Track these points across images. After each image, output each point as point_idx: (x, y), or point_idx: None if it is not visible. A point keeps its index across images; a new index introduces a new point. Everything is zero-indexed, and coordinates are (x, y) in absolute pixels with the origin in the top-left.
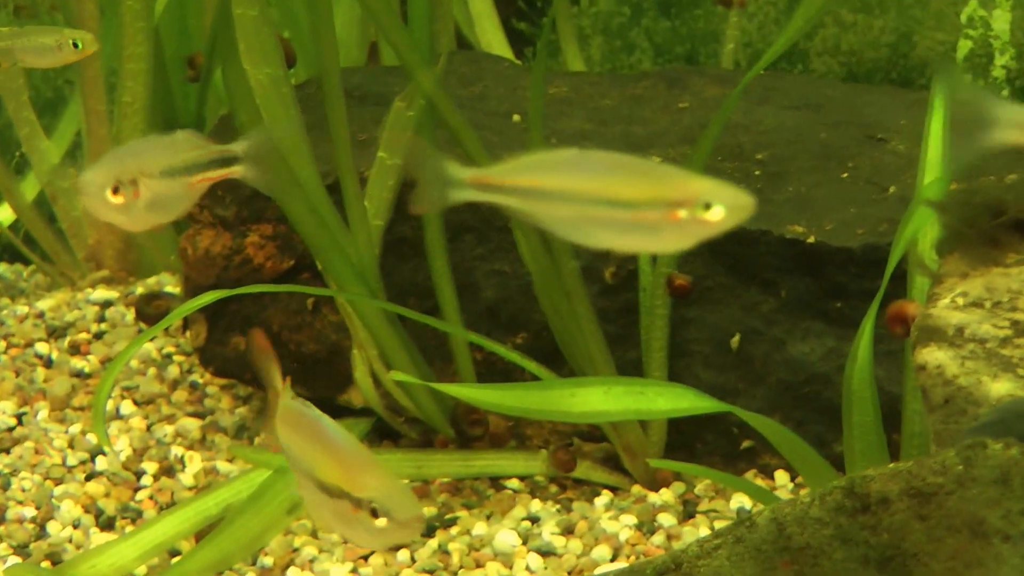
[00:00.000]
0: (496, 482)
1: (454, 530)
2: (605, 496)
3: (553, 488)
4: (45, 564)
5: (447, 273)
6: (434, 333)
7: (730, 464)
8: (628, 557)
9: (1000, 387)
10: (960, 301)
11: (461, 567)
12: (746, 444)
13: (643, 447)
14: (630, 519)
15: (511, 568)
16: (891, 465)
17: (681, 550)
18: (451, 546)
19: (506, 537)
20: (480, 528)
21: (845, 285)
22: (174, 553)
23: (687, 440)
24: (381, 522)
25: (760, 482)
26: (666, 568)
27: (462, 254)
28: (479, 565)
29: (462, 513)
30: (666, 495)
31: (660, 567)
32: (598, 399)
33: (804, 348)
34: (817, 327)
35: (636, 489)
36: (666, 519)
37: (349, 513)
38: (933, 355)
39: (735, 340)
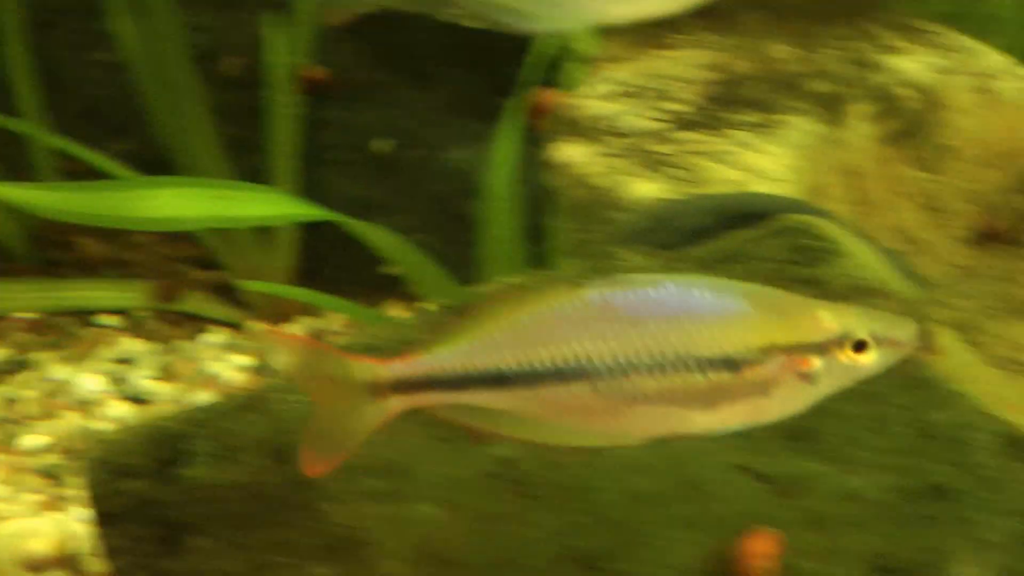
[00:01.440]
0: (88, 317)
1: (29, 374)
2: (218, 333)
3: (155, 324)
4: None
5: (27, 63)
6: (15, 138)
7: (373, 294)
8: None
9: (645, 188)
10: (608, 89)
11: (30, 418)
12: (386, 270)
13: (264, 273)
14: (243, 360)
15: (91, 417)
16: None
17: (269, 384)
18: (23, 393)
19: (89, 382)
20: (60, 372)
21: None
22: None
23: (323, 267)
24: (871, 354)
25: (401, 313)
26: (250, 404)
27: (55, 40)
28: (52, 415)
29: (42, 355)
30: (293, 331)
31: (243, 403)
32: (177, 203)
33: (465, 154)
34: (481, 129)
35: (256, 325)
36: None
37: (786, 374)
38: (568, 151)
39: (387, 144)
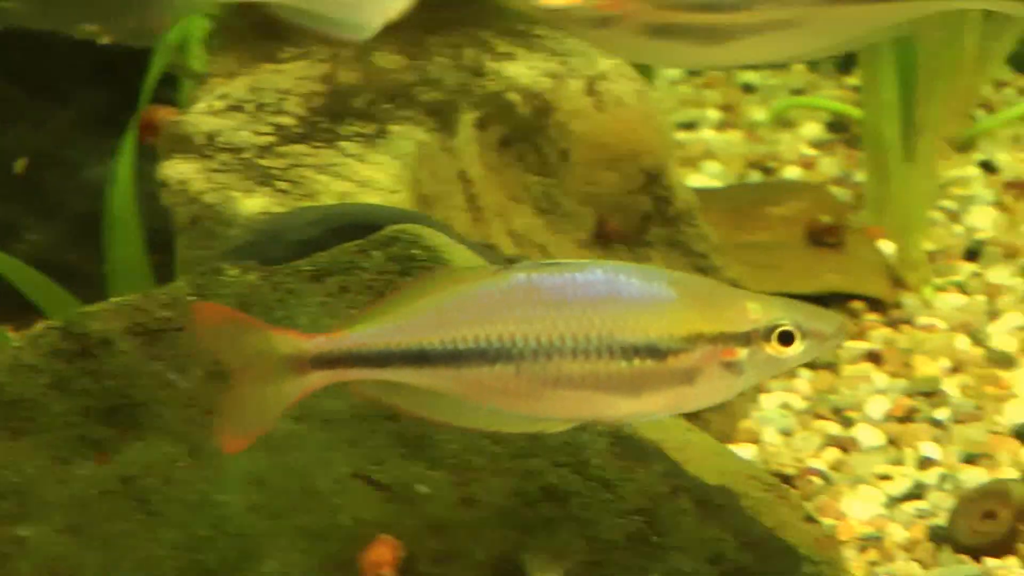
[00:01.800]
0: None
1: None
2: None
3: None
4: None
5: None
6: None
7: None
8: None
9: (254, 203)
10: (218, 104)
11: None
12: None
13: None
14: None
15: None
16: (114, 299)
17: None
18: None
19: None
20: None
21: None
22: None
23: None
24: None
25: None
26: None
27: None
28: None
29: None
30: None
31: None
32: None
33: (103, 171)
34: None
35: None
36: None
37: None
38: (177, 168)
39: (20, 164)
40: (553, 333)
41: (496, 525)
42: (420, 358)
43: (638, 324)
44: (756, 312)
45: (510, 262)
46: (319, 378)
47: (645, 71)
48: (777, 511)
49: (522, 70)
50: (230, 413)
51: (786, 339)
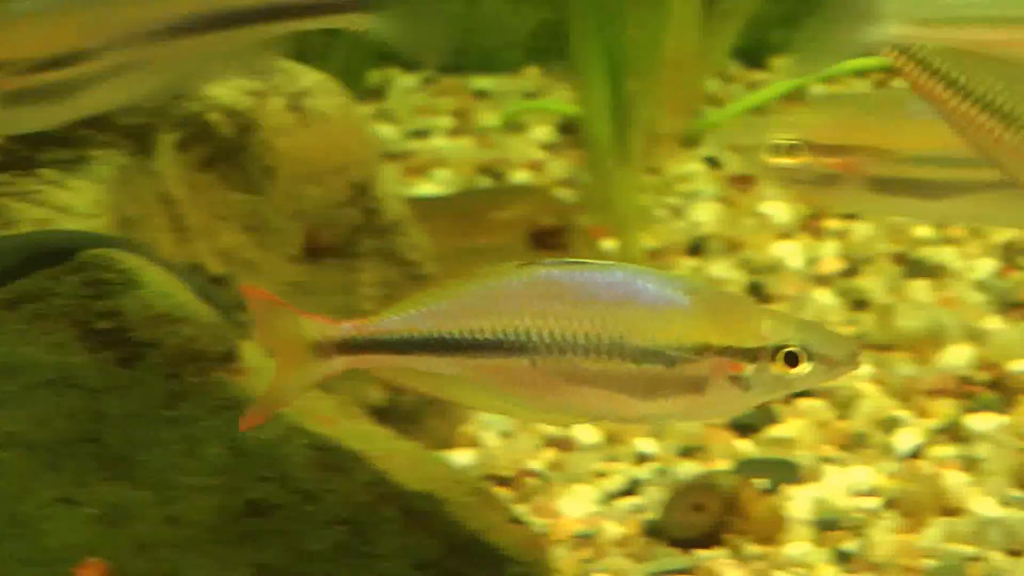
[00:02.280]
0: None
1: None
2: None
3: None
4: None
5: None
6: None
7: None
8: None
9: None
10: None
11: None
12: None
13: None
14: None
15: None
16: None
17: None
18: None
19: None
20: None
21: None
22: None
23: None
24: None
25: None
26: None
27: None
28: None
29: None
30: None
31: None
32: None
33: None
34: None
35: None
36: None
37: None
38: None
39: None
40: (567, 330)
41: (203, 542)
42: (440, 346)
43: (649, 329)
44: (767, 330)
45: (215, 281)
46: (342, 363)
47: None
48: (482, 515)
49: (223, 90)
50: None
51: (792, 360)
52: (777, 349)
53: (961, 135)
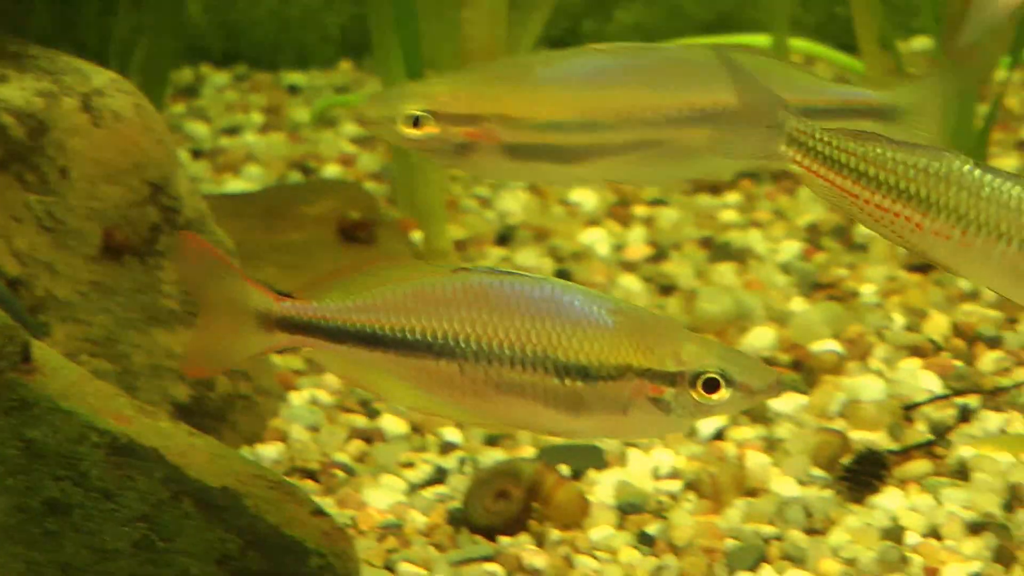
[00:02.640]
0: None
1: None
2: None
3: None
4: None
5: None
6: None
7: None
8: None
9: None
10: None
11: None
12: None
13: None
14: None
15: None
16: None
17: None
18: None
19: None
20: None
21: None
22: None
23: None
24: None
25: None
26: None
27: None
28: None
29: None
30: None
31: None
32: None
33: None
34: None
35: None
36: None
37: (639, 397)
38: None
39: None
40: (494, 340)
41: (3, 542)
42: (372, 341)
43: (574, 346)
44: (688, 355)
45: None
46: (283, 339)
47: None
48: (283, 508)
49: (14, 92)
50: (200, 343)
51: (711, 387)
52: (696, 375)
53: (874, 227)
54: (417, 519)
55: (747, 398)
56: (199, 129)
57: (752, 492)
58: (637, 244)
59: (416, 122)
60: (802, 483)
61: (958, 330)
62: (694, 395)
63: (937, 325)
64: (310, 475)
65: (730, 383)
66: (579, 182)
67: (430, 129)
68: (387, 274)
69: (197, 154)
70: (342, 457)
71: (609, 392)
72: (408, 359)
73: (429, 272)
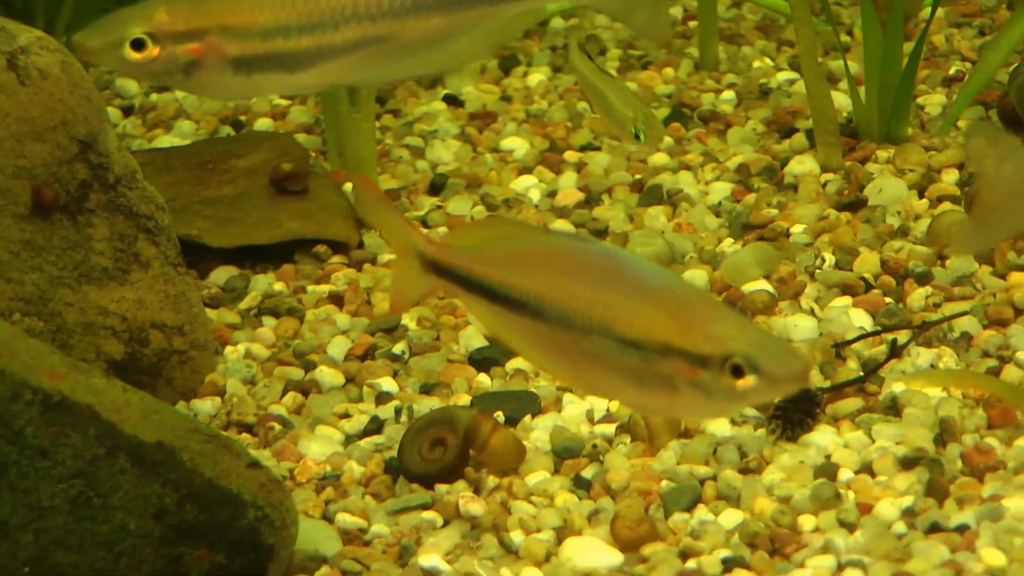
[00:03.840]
0: None
1: None
2: None
3: None
4: None
5: None
6: None
7: None
8: None
9: None
10: None
11: None
12: None
13: None
14: None
15: None
16: None
17: None
18: None
19: None
20: None
21: None
22: None
23: None
24: (747, 382)
25: None
26: None
27: None
28: None
29: None
30: None
31: None
32: None
33: None
34: None
35: None
36: None
37: (681, 377)
38: None
39: None
40: (571, 307)
41: None
42: (488, 292)
43: (629, 320)
44: (721, 337)
45: None
46: (435, 282)
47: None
48: (219, 461)
49: None
50: (393, 283)
51: (737, 372)
52: (725, 358)
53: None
54: (354, 469)
55: (773, 386)
56: (130, 86)
57: (686, 434)
58: (569, 190)
59: (138, 44)
60: (735, 423)
61: (888, 267)
62: (724, 381)
63: (867, 262)
64: (247, 428)
65: (755, 369)
66: (305, 90)
67: (151, 51)
68: (503, 229)
69: (128, 111)
70: (278, 410)
71: (659, 370)
72: (515, 315)
73: (535, 232)
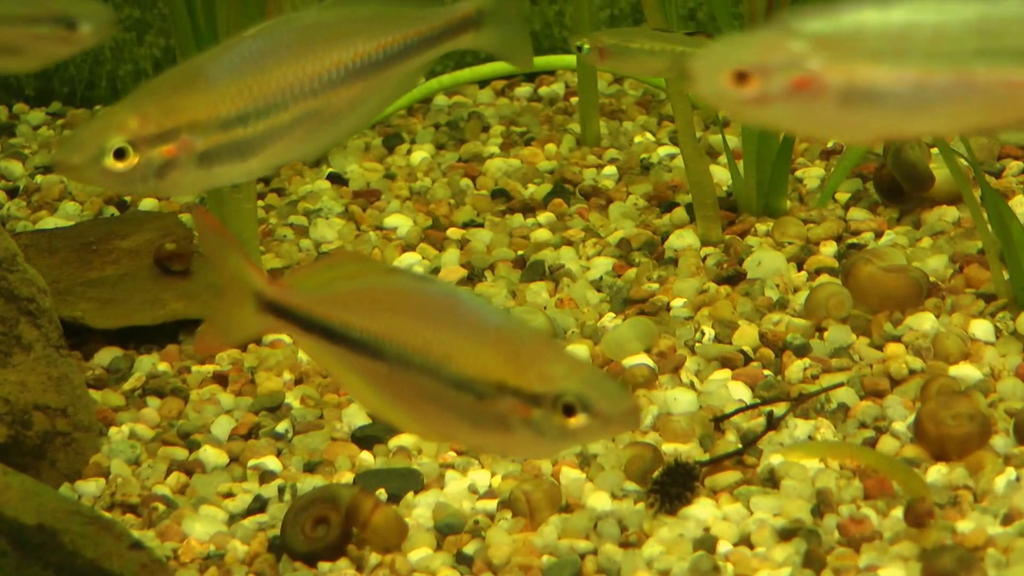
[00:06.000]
0: None
1: None
2: None
3: None
4: None
5: None
6: None
7: None
8: None
9: None
10: None
11: None
12: None
13: None
14: None
15: None
16: None
17: None
18: None
19: None
20: None
21: None
22: None
23: None
24: (578, 421)
25: None
26: None
27: None
28: None
29: None
30: None
31: None
32: None
33: None
34: None
35: None
36: None
37: (515, 416)
38: None
39: None
40: (408, 346)
41: None
42: (327, 332)
43: (466, 360)
44: (553, 376)
45: None
46: (271, 324)
47: None
48: (101, 542)
49: None
50: (213, 319)
51: (568, 411)
52: (556, 397)
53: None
54: (238, 548)
55: (604, 425)
56: (14, 168)
57: (567, 508)
58: (452, 267)
59: (117, 154)
60: (616, 497)
61: (766, 340)
62: (555, 419)
63: (746, 335)
64: (131, 509)
65: (586, 408)
66: (251, 175)
67: (132, 160)
68: (346, 268)
69: (12, 193)
70: (163, 490)
71: (494, 409)
72: (355, 356)
73: (377, 270)
